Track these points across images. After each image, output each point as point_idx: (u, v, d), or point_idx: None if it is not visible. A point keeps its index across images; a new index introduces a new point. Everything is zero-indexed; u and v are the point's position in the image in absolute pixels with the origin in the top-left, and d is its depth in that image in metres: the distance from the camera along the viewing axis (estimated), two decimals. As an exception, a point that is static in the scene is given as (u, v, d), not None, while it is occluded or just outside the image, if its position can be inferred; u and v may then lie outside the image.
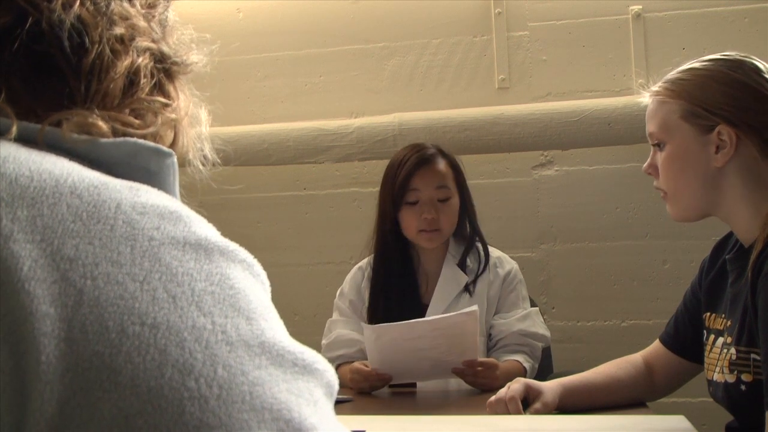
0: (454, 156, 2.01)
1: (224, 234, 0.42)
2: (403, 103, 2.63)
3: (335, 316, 2.00)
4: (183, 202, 0.43)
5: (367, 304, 1.95)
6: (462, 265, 1.94)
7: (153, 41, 0.48)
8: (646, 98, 1.33)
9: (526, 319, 1.89)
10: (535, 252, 2.56)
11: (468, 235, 1.98)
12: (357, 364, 1.77)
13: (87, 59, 0.44)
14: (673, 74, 1.29)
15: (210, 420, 0.34)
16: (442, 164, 1.95)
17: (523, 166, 2.59)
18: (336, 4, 2.70)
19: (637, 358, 1.51)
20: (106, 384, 0.33)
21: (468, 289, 1.92)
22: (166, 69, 0.49)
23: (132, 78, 0.46)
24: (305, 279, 2.66)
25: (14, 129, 0.39)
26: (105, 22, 0.45)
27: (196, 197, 0.52)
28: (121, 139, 0.43)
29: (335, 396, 0.41)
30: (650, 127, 1.30)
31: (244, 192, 2.67)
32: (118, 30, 0.45)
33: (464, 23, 2.64)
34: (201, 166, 0.53)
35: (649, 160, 1.32)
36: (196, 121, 0.52)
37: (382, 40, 2.69)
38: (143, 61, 0.47)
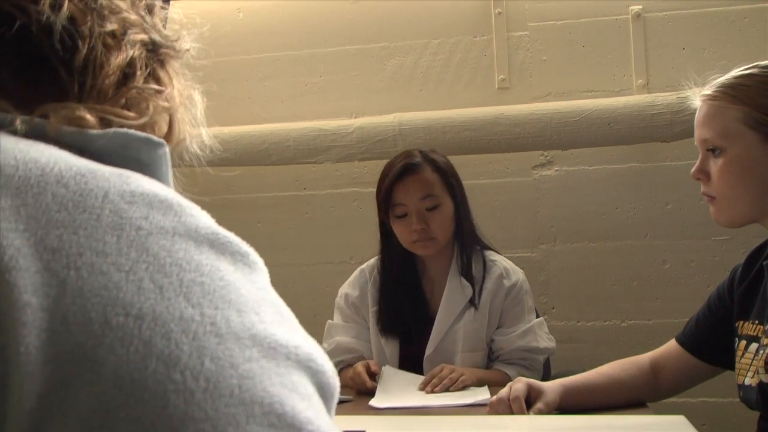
0: (445, 159, 1.95)
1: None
2: (403, 103, 2.62)
3: (336, 319, 1.98)
4: None
5: (375, 307, 1.92)
6: (467, 275, 1.90)
7: (144, 31, 0.47)
8: (696, 103, 1.29)
9: (527, 335, 1.85)
10: (535, 252, 2.56)
11: (469, 242, 1.93)
12: (359, 367, 1.78)
13: (78, 56, 0.43)
14: (728, 79, 1.26)
15: (195, 413, 0.33)
16: (426, 172, 1.89)
17: (523, 166, 2.58)
18: (336, 4, 2.70)
19: (643, 359, 1.50)
20: (88, 376, 0.32)
21: (473, 302, 1.88)
22: (158, 58, 0.48)
23: (126, 71, 0.45)
24: (305, 279, 2.66)
25: (18, 123, 0.39)
26: (95, 17, 0.44)
27: (194, 197, 0.52)
28: (111, 129, 0.42)
29: (336, 397, 0.40)
30: (705, 132, 1.26)
31: (244, 192, 2.67)
32: (110, 26, 0.45)
33: (464, 23, 2.63)
34: (198, 151, 0.52)
35: (698, 165, 1.29)
36: (191, 105, 0.51)
37: (382, 40, 2.69)
38: (136, 52, 0.46)
